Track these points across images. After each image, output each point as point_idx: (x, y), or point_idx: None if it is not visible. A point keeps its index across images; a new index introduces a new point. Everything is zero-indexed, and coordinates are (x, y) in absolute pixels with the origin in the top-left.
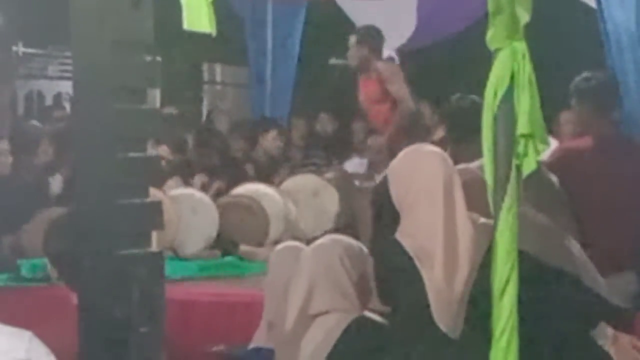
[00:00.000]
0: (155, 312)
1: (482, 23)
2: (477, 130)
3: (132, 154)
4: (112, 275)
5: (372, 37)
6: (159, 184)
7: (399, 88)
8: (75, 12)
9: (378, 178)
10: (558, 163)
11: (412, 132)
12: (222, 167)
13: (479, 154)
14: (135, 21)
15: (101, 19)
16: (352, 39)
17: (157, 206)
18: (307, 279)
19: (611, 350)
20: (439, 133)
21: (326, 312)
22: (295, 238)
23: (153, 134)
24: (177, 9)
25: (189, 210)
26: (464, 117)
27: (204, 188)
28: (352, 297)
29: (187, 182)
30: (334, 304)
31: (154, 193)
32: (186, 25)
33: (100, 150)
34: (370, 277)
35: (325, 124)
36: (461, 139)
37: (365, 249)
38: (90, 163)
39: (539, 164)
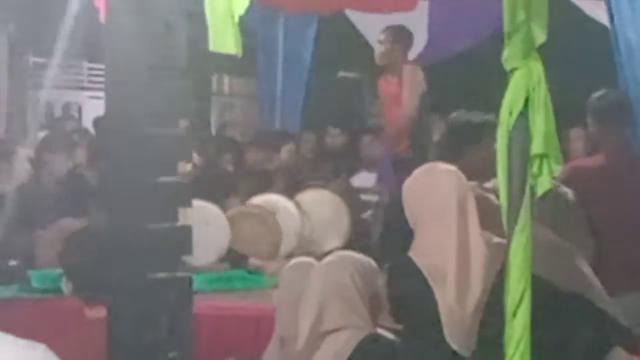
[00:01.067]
0: (183, 337)
1: (493, 39)
2: (478, 144)
3: (162, 179)
4: (141, 299)
5: (405, 37)
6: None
7: (408, 94)
8: (110, 36)
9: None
10: (569, 181)
11: (413, 139)
12: (236, 177)
13: (482, 169)
14: (168, 45)
15: (135, 43)
16: (385, 37)
17: (187, 231)
18: (318, 296)
19: None
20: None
21: (338, 330)
22: (307, 253)
23: (183, 158)
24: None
25: (201, 222)
26: (467, 133)
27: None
28: (364, 313)
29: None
30: (345, 321)
31: None
32: (212, 47)
33: (130, 174)
34: (381, 293)
35: (334, 137)
36: (463, 153)
37: (375, 265)
38: (120, 186)
39: (553, 183)
